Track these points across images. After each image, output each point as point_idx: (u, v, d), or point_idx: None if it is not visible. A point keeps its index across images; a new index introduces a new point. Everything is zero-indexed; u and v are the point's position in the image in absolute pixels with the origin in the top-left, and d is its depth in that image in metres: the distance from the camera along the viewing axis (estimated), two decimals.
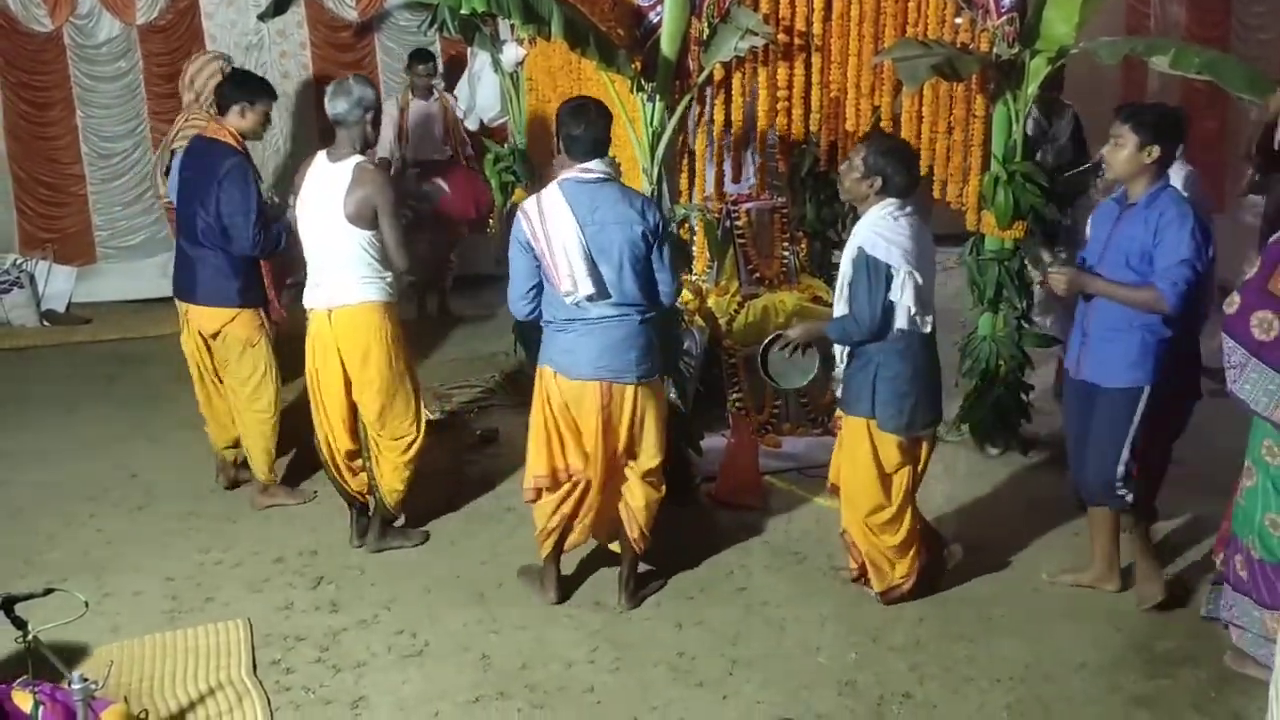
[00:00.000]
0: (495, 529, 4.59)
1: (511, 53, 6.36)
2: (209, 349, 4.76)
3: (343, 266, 4.13)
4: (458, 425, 5.67)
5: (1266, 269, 3.25)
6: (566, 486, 3.87)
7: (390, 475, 4.37)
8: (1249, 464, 3.45)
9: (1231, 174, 7.52)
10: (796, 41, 4.69)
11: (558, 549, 4.01)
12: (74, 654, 3.67)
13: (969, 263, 5.24)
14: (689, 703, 3.52)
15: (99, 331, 7.43)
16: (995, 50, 4.81)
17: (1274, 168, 5.72)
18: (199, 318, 4.69)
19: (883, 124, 4.96)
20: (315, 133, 7.91)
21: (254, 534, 4.64)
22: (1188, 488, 4.65)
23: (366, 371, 4.22)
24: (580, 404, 3.75)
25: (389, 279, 4.21)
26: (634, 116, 4.50)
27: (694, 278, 5.44)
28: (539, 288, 3.76)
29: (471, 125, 7.43)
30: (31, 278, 7.65)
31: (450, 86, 7.64)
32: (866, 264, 3.65)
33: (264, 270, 4.70)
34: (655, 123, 4.48)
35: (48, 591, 2.96)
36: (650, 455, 3.88)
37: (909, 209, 3.72)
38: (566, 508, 3.90)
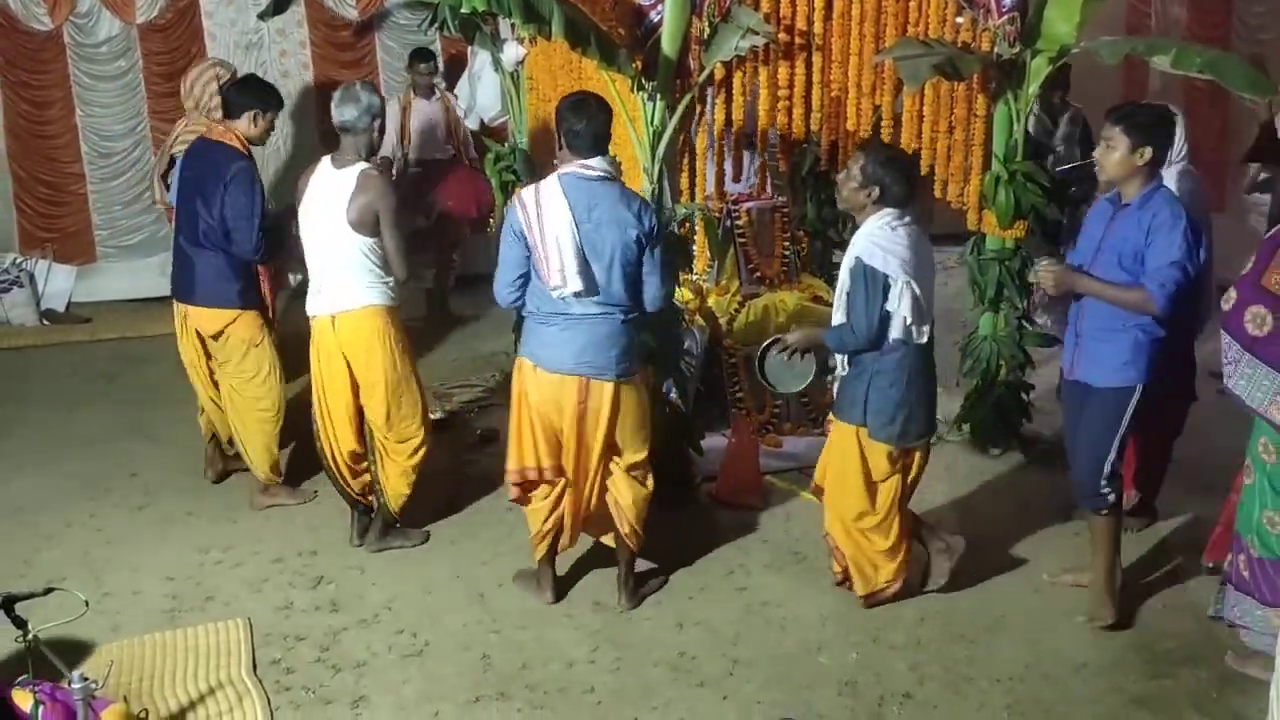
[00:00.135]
0: (495, 529, 4.59)
1: (512, 52, 6.36)
2: (207, 352, 4.76)
3: (345, 272, 4.13)
4: (458, 425, 5.67)
5: (1261, 264, 3.25)
6: (555, 489, 3.88)
7: (396, 479, 4.37)
8: (1248, 462, 3.45)
9: (1233, 174, 7.52)
10: (797, 40, 4.69)
11: (552, 551, 4.01)
12: (74, 653, 3.67)
13: (970, 262, 5.23)
14: (690, 702, 3.52)
15: (99, 331, 7.43)
16: (996, 50, 4.80)
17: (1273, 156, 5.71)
18: (199, 319, 4.68)
19: (884, 123, 4.95)
20: (315, 132, 7.92)
21: (254, 533, 4.64)
22: (1187, 488, 4.66)
23: (372, 375, 4.22)
24: (558, 398, 3.75)
25: (391, 283, 4.21)
26: (635, 115, 4.50)
27: (694, 277, 5.44)
28: (526, 278, 3.76)
29: (472, 124, 7.42)
30: (31, 277, 7.64)
31: (451, 86, 7.64)
32: (864, 274, 3.65)
33: (262, 273, 4.70)
34: (656, 122, 4.47)
35: (48, 591, 2.97)
36: (634, 451, 3.89)
37: (907, 218, 3.71)
38: (559, 510, 3.91)
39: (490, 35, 6.46)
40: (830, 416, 4.10)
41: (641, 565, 4.15)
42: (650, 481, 3.97)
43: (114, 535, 4.66)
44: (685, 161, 4.78)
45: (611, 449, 3.86)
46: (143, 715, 3.29)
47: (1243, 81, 4.34)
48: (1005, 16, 4.75)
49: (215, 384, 4.85)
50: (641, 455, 3.91)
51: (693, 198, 4.80)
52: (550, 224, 3.63)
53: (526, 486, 3.92)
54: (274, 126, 4.70)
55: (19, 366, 6.82)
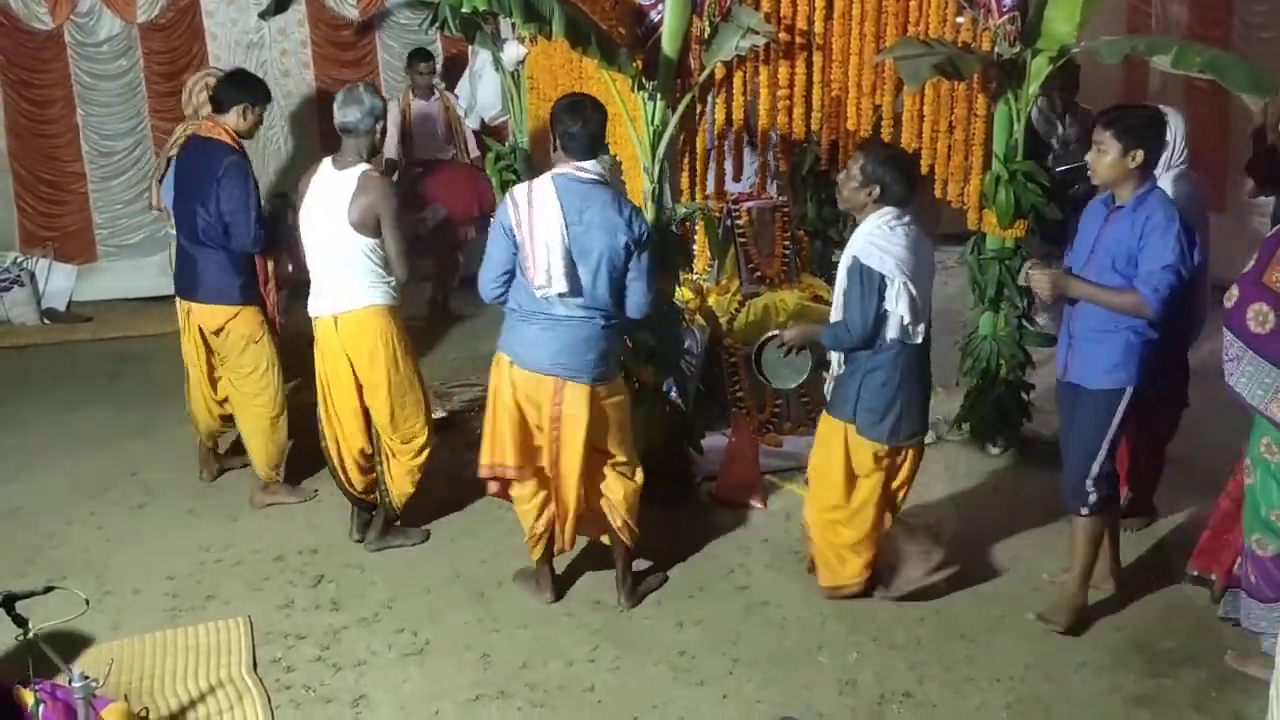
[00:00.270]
0: (495, 528, 4.59)
1: (513, 51, 6.37)
2: (209, 348, 4.77)
3: (347, 272, 4.14)
4: (458, 424, 5.67)
5: (1263, 261, 3.25)
6: (542, 490, 3.88)
7: (401, 479, 4.38)
8: (1248, 463, 3.45)
9: (1233, 174, 7.50)
10: (798, 40, 4.69)
11: (548, 552, 4.02)
12: (75, 652, 3.68)
13: (970, 262, 5.23)
14: (690, 702, 3.52)
15: (99, 330, 7.42)
16: (997, 49, 4.80)
17: (1270, 175, 5.69)
18: (201, 315, 4.69)
19: (884, 123, 4.95)
20: (316, 132, 7.91)
21: (254, 532, 4.64)
22: (1186, 487, 4.66)
23: (375, 375, 4.23)
24: (535, 395, 3.77)
25: (392, 283, 4.21)
26: (635, 115, 4.50)
27: (695, 276, 5.44)
28: (511, 274, 3.77)
29: (472, 124, 7.43)
30: (32, 276, 7.64)
31: (451, 85, 7.64)
32: (860, 273, 3.65)
33: (259, 268, 4.71)
34: (656, 121, 4.47)
35: (48, 589, 2.97)
36: (617, 448, 3.90)
37: (907, 218, 3.71)
38: (549, 511, 3.91)
39: (491, 34, 6.47)
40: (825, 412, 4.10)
41: (641, 565, 4.15)
42: (639, 475, 3.98)
43: (114, 534, 4.66)
44: (685, 161, 4.78)
45: (596, 450, 3.86)
46: (143, 714, 3.30)
47: (1243, 81, 4.33)
48: (1006, 16, 4.75)
49: (213, 382, 4.86)
50: (625, 452, 3.93)
51: (693, 197, 4.80)
52: (540, 224, 3.64)
53: (503, 483, 3.93)
54: (263, 120, 4.72)
55: (19, 365, 6.82)
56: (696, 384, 5.15)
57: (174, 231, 5.02)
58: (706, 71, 4.52)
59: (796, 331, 4.11)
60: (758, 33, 4.39)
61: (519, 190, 3.73)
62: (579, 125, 3.67)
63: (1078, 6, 4.65)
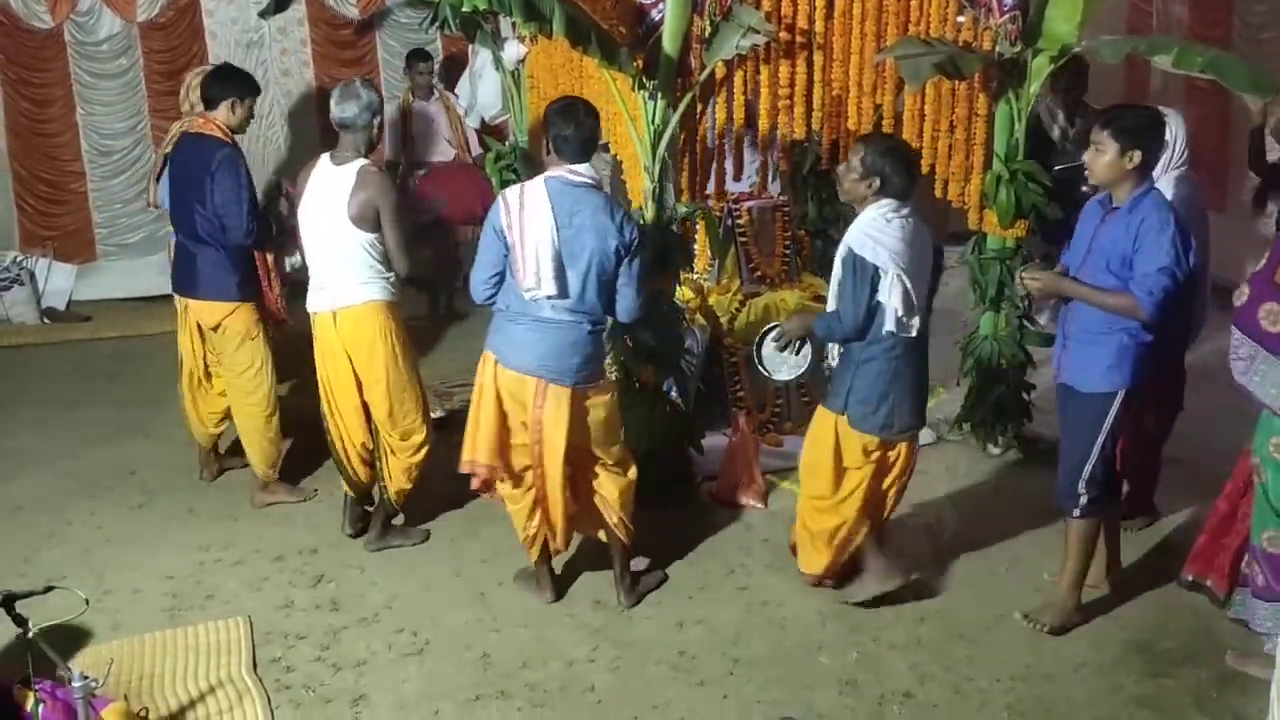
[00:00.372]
0: (495, 528, 4.58)
1: (513, 50, 6.36)
2: (204, 346, 4.79)
3: (346, 268, 4.14)
4: (458, 423, 5.63)
5: (1274, 260, 3.24)
6: (533, 491, 3.87)
7: (399, 475, 4.38)
8: (1256, 461, 3.43)
9: (1234, 174, 7.50)
10: (798, 39, 4.68)
11: (545, 552, 4.02)
12: (74, 651, 3.68)
13: (971, 262, 5.23)
14: (690, 702, 3.51)
15: (99, 329, 7.43)
16: (998, 49, 4.80)
17: (1268, 174, 5.68)
18: (199, 312, 4.70)
19: (885, 122, 4.94)
20: (316, 130, 7.91)
21: (254, 532, 4.64)
22: (1187, 487, 4.66)
23: (374, 371, 4.23)
24: (520, 395, 3.77)
25: (391, 278, 4.22)
26: (635, 114, 4.50)
27: (695, 276, 5.44)
28: (502, 275, 3.77)
29: (472, 123, 7.42)
30: (32, 275, 7.64)
31: (451, 84, 7.63)
32: (854, 263, 3.64)
33: (259, 263, 4.72)
34: (657, 120, 4.47)
35: (48, 589, 2.96)
36: (604, 449, 3.90)
37: (905, 210, 3.69)
38: (540, 511, 3.91)
39: (491, 34, 6.46)
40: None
41: (641, 565, 4.15)
42: (632, 472, 3.98)
43: (114, 533, 4.66)
44: (686, 160, 4.77)
45: (582, 451, 3.86)
46: (143, 714, 3.30)
47: (1244, 81, 4.33)
48: (1007, 15, 4.74)
49: (209, 377, 4.87)
50: (616, 451, 3.94)
51: (694, 196, 4.80)
52: (531, 226, 3.64)
53: (485, 480, 3.94)
54: (254, 112, 4.72)
55: (19, 365, 6.82)
56: (697, 384, 5.15)
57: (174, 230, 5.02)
58: (707, 71, 4.51)
59: (795, 323, 4.12)
60: (758, 32, 4.38)
61: (511, 192, 3.73)
62: (572, 128, 3.66)
63: (1079, 6, 4.65)
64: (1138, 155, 3.53)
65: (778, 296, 5.51)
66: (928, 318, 3.82)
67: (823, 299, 5.42)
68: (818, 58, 4.74)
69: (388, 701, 3.53)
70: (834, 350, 3.91)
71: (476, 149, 7.43)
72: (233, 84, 4.63)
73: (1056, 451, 3.97)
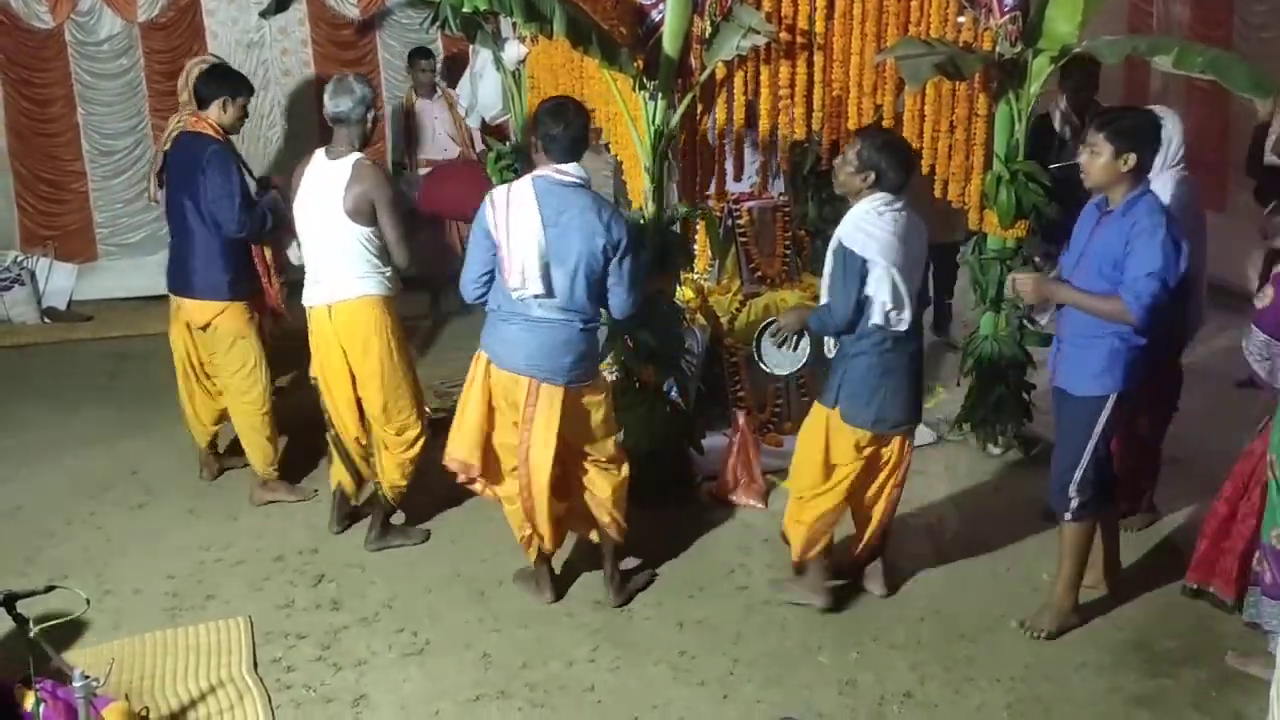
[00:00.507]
0: (496, 527, 4.57)
1: (513, 50, 6.36)
2: (195, 343, 4.81)
3: (342, 262, 4.15)
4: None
5: None
6: (520, 490, 3.88)
7: (393, 470, 4.38)
8: (1273, 458, 3.42)
9: (1234, 174, 7.50)
10: (799, 40, 4.69)
11: (543, 552, 4.02)
12: (75, 651, 3.68)
13: (971, 262, 5.23)
14: (690, 702, 3.52)
15: (100, 329, 7.43)
16: (998, 49, 4.80)
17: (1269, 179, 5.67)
18: (190, 310, 4.72)
19: (885, 123, 4.94)
20: (316, 130, 7.89)
21: (255, 531, 4.64)
22: (1187, 487, 4.66)
23: (369, 366, 4.24)
24: (512, 394, 3.78)
25: (388, 274, 4.22)
26: (636, 115, 4.50)
27: (696, 276, 5.44)
28: (492, 275, 3.78)
29: (473, 123, 7.42)
30: (32, 275, 7.64)
31: (452, 84, 7.63)
32: (843, 256, 3.64)
33: (258, 259, 4.73)
34: (657, 121, 4.47)
35: (49, 589, 2.96)
36: (597, 448, 3.90)
37: (899, 204, 3.67)
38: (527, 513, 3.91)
39: (492, 34, 6.47)
40: None
41: (629, 564, 4.14)
42: (625, 469, 3.98)
43: (115, 533, 4.66)
44: (686, 160, 4.78)
45: (574, 450, 3.86)
46: (144, 713, 3.30)
47: (1244, 82, 4.32)
48: (1007, 16, 4.75)
49: (203, 376, 4.89)
50: (608, 450, 3.94)
51: (694, 197, 4.80)
52: (517, 225, 3.64)
53: (469, 476, 3.96)
54: (247, 112, 4.74)
55: (20, 364, 6.83)
56: (697, 384, 5.16)
57: None
58: (707, 71, 4.52)
59: (792, 317, 4.13)
60: (759, 32, 4.38)
61: (498, 192, 3.74)
62: (560, 128, 3.66)
63: (1079, 6, 4.65)
64: (1132, 158, 3.50)
65: (778, 296, 5.51)
66: (921, 312, 3.81)
67: None
68: (818, 58, 4.75)
69: (388, 701, 3.53)
70: (831, 344, 3.91)
71: (480, 147, 7.43)
72: (226, 83, 4.66)
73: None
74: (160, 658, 3.74)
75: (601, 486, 3.94)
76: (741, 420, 4.91)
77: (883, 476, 3.91)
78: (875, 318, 3.66)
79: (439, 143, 7.44)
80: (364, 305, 4.19)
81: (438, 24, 6.75)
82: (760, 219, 5.66)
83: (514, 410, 3.79)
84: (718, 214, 5.22)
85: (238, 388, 4.75)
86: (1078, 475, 3.68)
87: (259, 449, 4.80)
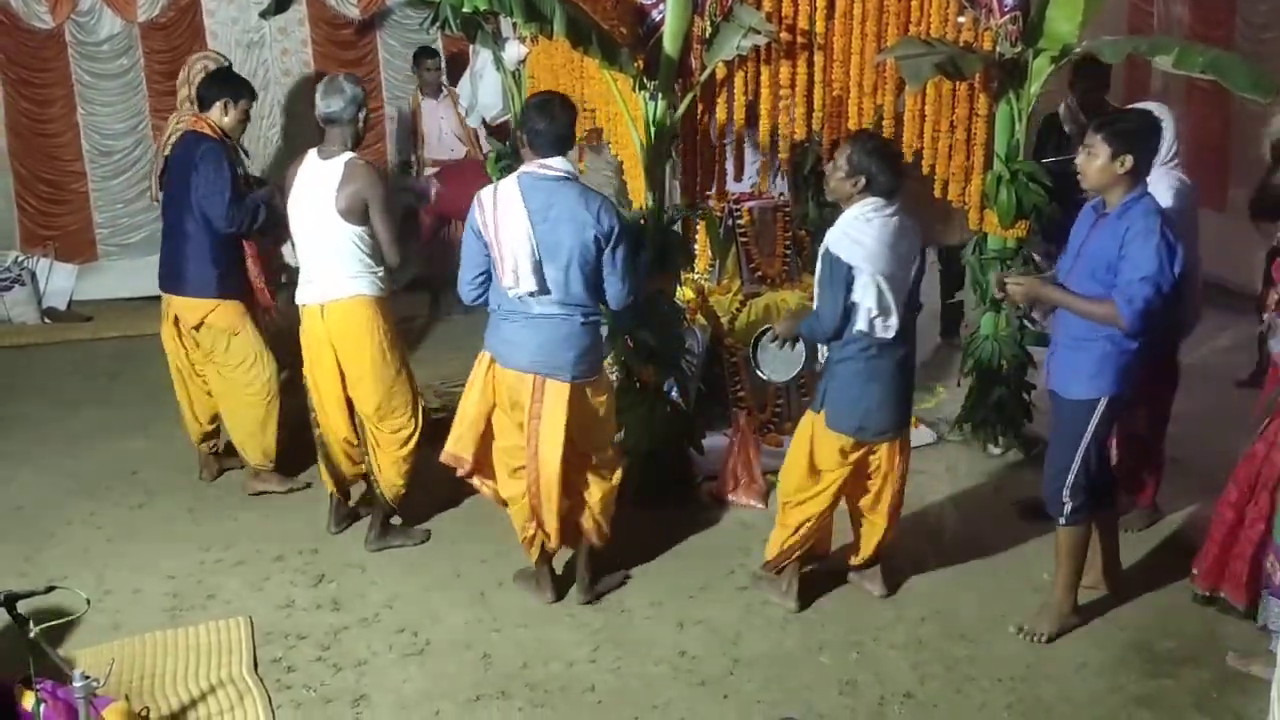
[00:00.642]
0: (496, 527, 4.58)
1: (513, 50, 6.36)
2: (184, 343, 4.83)
3: (334, 262, 4.16)
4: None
5: None
6: (529, 489, 3.88)
7: (389, 469, 4.38)
8: None
9: (1234, 174, 7.50)
10: (799, 40, 4.68)
11: (545, 552, 4.02)
12: (75, 651, 3.68)
13: (971, 262, 5.22)
14: (690, 702, 3.52)
15: (100, 329, 7.43)
16: (998, 49, 4.80)
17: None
18: (180, 308, 4.76)
19: (885, 122, 4.95)
20: (316, 130, 7.87)
21: (255, 531, 4.64)
22: (1188, 487, 4.66)
23: (360, 365, 4.25)
24: (516, 394, 3.78)
25: (380, 274, 4.24)
26: (636, 115, 4.50)
27: (696, 276, 5.44)
28: (488, 275, 3.78)
29: (473, 123, 7.43)
30: (33, 275, 7.65)
31: (452, 84, 7.64)
32: (830, 263, 3.64)
33: (252, 259, 4.75)
34: (657, 121, 4.47)
35: (49, 589, 2.96)
36: (597, 449, 3.91)
37: (890, 210, 3.65)
38: (534, 512, 3.91)
39: (492, 34, 6.47)
40: None
41: (642, 566, 4.14)
42: (617, 476, 3.98)
43: (115, 533, 4.66)
44: (687, 161, 4.77)
45: (575, 452, 3.85)
46: (144, 713, 3.30)
47: (1245, 82, 4.32)
48: (1007, 16, 4.75)
49: (192, 376, 4.90)
50: (605, 454, 3.95)
51: (694, 197, 4.80)
52: (506, 223, 3.64)
53: (469, 472, 3.98)
54: (248, 116, 4.78)
55: (20, 365, 6.83)
56: (697, 384, 5.16)
57: None
58: (708, 71, 4.51)
59: (786, 324, 4.14)
60: (759, 32, 4.38)
61: (485, 192, 3.74)
62: (545, 122, 3.66)
63: (1079, 6, 4.65)
64: (1129, 160, 3.47)
65: (778, 297, 5.51)
66: (912, 320, 3.80)
67: None
68: (818, 58, 4.74)
69: (388, 701, 3.53)
70: (823, 351, 3.91)
71: (487, 147, 7.44)
72: (228, 86, 4.71)
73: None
74: (160, 658, 3.74)
75: (593, 491, 3.94)
76: (742, 420, 4.91)
77: (876, 484, 3.90)
78: (860, 324, 3.65)
79: (445, 143, 7.45)
80: (356, 305, 4.19)
81: (438, 24, 6.75)
82: (761, 219, 5.66)
83: (518, 411, 3.79)
84: (718, 214, 5.22)
85: (240, 381, 4.76)
86: (1070, 479, 3.67)
87: (255, 440, 4.81)
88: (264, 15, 7.55)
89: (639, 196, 4.66)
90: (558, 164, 3.69)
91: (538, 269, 3.64)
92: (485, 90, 7.07)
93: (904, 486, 3.96)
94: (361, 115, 4.18)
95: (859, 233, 3.62)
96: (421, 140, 7.45)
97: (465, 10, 4.03)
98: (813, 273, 5.83)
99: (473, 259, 3.78)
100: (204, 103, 4.67)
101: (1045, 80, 4.90)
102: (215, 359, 4.78)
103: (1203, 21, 7.65)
